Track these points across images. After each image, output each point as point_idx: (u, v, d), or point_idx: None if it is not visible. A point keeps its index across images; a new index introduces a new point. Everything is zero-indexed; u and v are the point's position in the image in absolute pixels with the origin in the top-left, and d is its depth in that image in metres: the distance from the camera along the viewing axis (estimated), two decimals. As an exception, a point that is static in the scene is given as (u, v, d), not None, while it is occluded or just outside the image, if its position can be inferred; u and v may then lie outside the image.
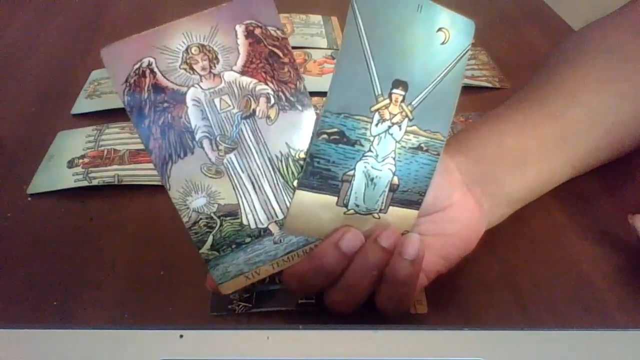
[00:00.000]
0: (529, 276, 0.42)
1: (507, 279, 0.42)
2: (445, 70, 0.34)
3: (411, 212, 0.36)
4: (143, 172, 0.50)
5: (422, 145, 0.35)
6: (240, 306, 0.39)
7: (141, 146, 0.54)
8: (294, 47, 0.70)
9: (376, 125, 0.33)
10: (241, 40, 0.32)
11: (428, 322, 0.38)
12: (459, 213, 0.38)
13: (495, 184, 0.42)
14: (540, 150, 0.45)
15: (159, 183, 0.50)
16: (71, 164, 0.52)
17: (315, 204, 0.34)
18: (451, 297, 0.40)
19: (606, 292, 0.41)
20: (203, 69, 0.32)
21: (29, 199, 0.49)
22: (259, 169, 0.34)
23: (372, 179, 0.34)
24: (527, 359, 0.35)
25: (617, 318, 0.39)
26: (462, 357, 0.35)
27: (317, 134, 0.33)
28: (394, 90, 0.33)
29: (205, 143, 0.33)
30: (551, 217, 0.47)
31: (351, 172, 0.34)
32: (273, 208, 0.34)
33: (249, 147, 0.33)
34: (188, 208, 0.34)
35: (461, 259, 0.39)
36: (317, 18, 0.79)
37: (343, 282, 0.35)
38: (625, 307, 0.40)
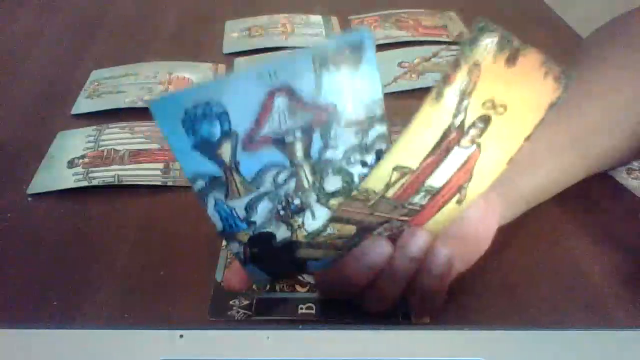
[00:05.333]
0: (529, 276, 0.42)
1: (507, 279, 0.42)
2: None
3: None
4: (143, 172, 0.50)
5: None
6: (240, 313, 0.39)
7: (141, 146, 0.55)
8: (294, 47, 0.70)
9: None
10: None
11: (428, 322, 0.38)
12: (472, 213, 0.38)
13: (506, 184, 0.42)
14: (551, 150, 0.45)
15: (159, 183, 0.50)
16: (71, 164, 0.52)
17: None
18: (451, 297, 0.40)
19: (606, 292, 0.41)
20: None
21: (29, 199, 0.49)
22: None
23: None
24: (527, 359, 0.35)
25: (617, 318, 0.39)
26: (462, 357, 0.35)
27: None
28: None
29: None
30: (551, 216, 0.47)
31: None
32: None
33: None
34: None
35: (479, 259, 0.39)
36: (317, 18, 0.79)
37: (374, 287, 0.36)
38: (625, 307, 0.40)
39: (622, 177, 0.51)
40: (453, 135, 0.32)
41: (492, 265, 0.42)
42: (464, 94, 0.31)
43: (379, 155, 0.33)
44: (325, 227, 0.34)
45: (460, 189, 0.34)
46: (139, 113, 0.58)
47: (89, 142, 0.54)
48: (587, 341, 0.36)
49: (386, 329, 0.36)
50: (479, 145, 0.33)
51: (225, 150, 0.31)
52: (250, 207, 0.33)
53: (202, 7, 0.84)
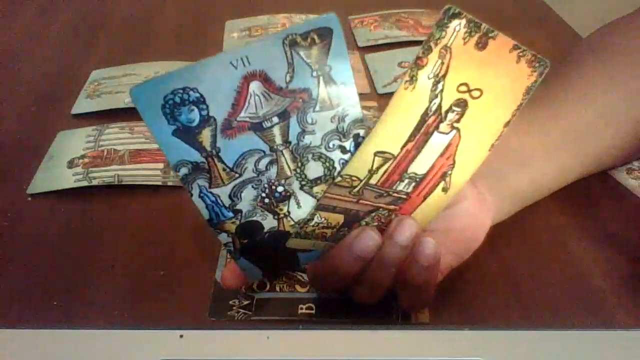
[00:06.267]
0: (529, 276, 0.42)
1: (507, 279, 0.42)
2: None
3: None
4: (143, 172, 0.50)
5: None
6: (240, 313, 0.39)
7: (141, 146, 0.55)
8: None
9: None
10: None
11: (428, 322, 0.38)
12: (465, 208, 0.38)
13: (499, 180, 0.42)
14: (546, 149, 0.45)
15: (159, 183, 0.50)
16: (71, 164, 0.52)
17: None
18: (451, 297, 0.40)
19: (606, 292, 0.41)
20: None
21: (29, 199, 0.49)
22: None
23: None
24: (527, 359, 0.35)
25: (617, 318, 0.39)
26: (462, 357, 0.35)
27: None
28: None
29: None
30: (551, 217, 0.47)
31: None
32: None
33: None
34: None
35: (471, 254, 0.39)
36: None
37: (364, 278, 0.36)
38: (625, 307, 0.40)
39: (622, 177, 0.51)
40: (431, 119, 0.32)
41: (492, 265, 0.42)
42: (438, 77, 0.31)
43: (357, 141, 0.33)
44: (312, 216, 0.34)
45: (444, 176, 0.35)
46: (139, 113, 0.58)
47: (89, 142, 0.54)
48: (587, 341, 0.36)
49: (386, 329, 0.36)
50: (458, 131, 0.33)
51: (206, 137, 0.31)
52: (234, 195, 0.33)
53: (202, 7, 0.84)
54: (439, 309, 0.39)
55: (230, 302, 0.39)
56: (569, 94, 0.48)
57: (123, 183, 0.49)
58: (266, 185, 0.33)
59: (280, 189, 0.34)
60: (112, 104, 0.60)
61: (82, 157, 0.52)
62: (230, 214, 0.34)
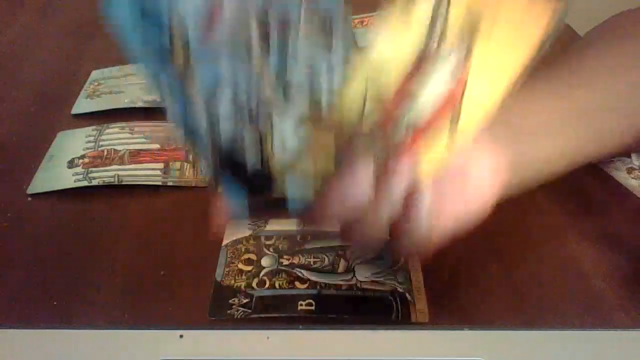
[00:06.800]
0: (529, 276, 0.42)
1: (507, 279, 0.42)
2: None
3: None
4: (143, 172, 0.50)
5: None
6: (240, 311, 0.39)
7: (141, 146, 0.55)
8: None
9: None
10: None
11: (428, 322, 0.38)
12: (473, 175, 0.38)
13: (510, 149, 0.41)
14: (560, 120, 0.44)
15: (159, 183, 0.50)
16: (71, 164, 0.52)
17: None
18: (451, 297, 0.40)
19: (606, 292, 0.41)
20: None
21: (29, 199, 0.49)
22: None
23: None
24: (527, 359, 0.35)
25: (617, 318, 0.39)
26: (462, 357, 0.35)
27: None
28: None
29: None
30: (551, 217, 0.47)
31: None
32: None
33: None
34: None
35: (474, 225, 0.38)
36: (317, 18, 0.79)
37: (355, 226, 0.35)
38: (625, 307, 0.40)
39: (623, 177, 0.51)
40: (431, 54, 0.29)
41: (492, 265, 0.42)
42: (439, 5, 0.28)
43: (346, 57, 0.30)
44: (300, 157, 0.32)
45: (450, 120, 0.31)
46: (139, 113, 0.58)
47: (89, 142, 0.54)
48: (587, 341, 0.36)
49: (386, 329, 0.37)
50: (465, 70, 0.29)
51: (179, 53, 0.28)
52: (211, 113, 0.30)
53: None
54: (439, 309, 0.39)
55: (230, 301, 0.39)
56: (574, 76, 0.47)
57: (123, 183, 0.49)
58: (246, 104, 0.30)
59: (262, 109, 0.31)
60: (112, 104, 0.60)
61: (82, 157, 0.52)
62: (209, 129, 0.31)
